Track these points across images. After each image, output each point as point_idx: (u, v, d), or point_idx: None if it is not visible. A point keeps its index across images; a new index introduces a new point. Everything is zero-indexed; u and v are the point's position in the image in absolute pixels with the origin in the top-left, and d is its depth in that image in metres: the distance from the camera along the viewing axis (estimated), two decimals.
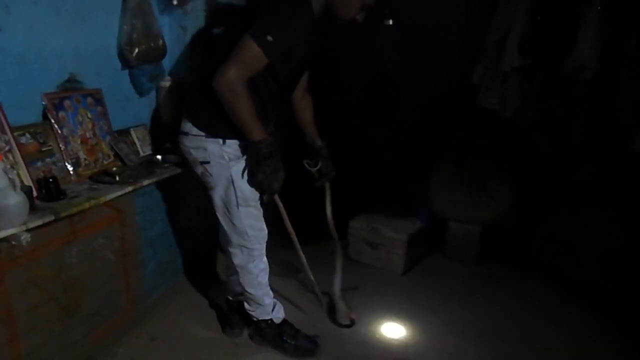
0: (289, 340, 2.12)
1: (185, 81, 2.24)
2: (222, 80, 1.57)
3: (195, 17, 2.29)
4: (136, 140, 2.16)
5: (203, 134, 1.77)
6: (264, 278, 2.06)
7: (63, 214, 1.51)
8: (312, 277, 2.28)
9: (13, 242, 1.36)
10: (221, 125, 1.73)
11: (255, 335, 2.19)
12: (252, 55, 1.57)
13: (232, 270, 2.18)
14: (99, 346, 2.11)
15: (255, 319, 2.13)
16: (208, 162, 1.81)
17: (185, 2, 2.12)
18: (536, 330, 2.36)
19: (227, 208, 1.88)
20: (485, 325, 2.38)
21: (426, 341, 2.26)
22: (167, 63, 2.24)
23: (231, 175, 1.80)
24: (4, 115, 1.55)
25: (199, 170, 1.87)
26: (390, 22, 1.75)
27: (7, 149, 1.54)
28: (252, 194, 1.85)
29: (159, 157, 2.14)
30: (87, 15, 1.85)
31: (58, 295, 1.92)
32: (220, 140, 1.77)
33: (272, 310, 2.12)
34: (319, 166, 2.15)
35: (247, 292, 2.06)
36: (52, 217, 1.47)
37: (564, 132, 2.65)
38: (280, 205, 1.99)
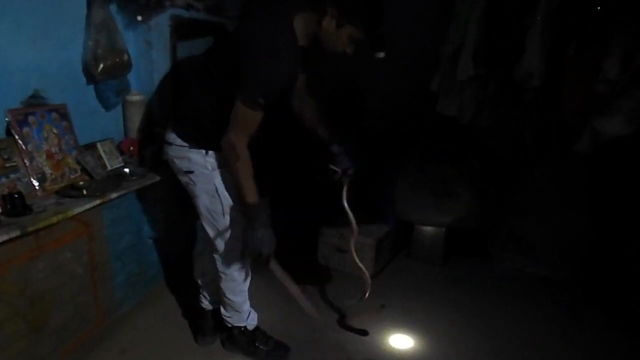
0: (261, 347, 2.16)
1: (166, 95, 2.28)
2: (227, 144, 1.68)
3: (160, 32, 2.33)
4: (103, 154, 2.17)
5: (186, 144, 1.83)
6: (246, 285, 2.10)
7: (30, 229, 1.52)
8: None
9: None
10: (204, 137, 1.81)
11: (227, 342, 2.22)
12: (248, 118, 1.65)
13: (209, 277, 2.22)
14: None
15: (229, 325, 2.16)
16: (192, 172, 1.86)
17: (149, 18, 2.16)
18: (496, 324, 2.48)
19: (212, 216, 1.93)
20: (453, 324, 2.48)
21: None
22: (132, 77, 2.27)
23: (215, 185, 1.86)
24: None
25: (184, 179, 1.92)
26: (382, 54, 1.72)
27: None
28: (231, 201, 1.91)
29: (126, 170, 2.16)
30: (51, 31, 1.87)
31: (24, 311, 1.90)
32: (203, 151, 1.83)
33: (247, 317, 2.15)
34: (339, 166, 2.09)
35: (227, 298, 2.08)
36: (19, 232, 1.48)
37: (517, 136, 2.81)
38: (279, 270, 2.02)
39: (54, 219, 1.63)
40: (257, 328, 2.20)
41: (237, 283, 2.05)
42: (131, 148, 2.29)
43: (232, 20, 3.04)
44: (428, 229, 3.23)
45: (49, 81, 1.90)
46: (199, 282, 2.29)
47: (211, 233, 1.98)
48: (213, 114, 1.77)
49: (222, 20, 2.90)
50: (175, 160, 1.89)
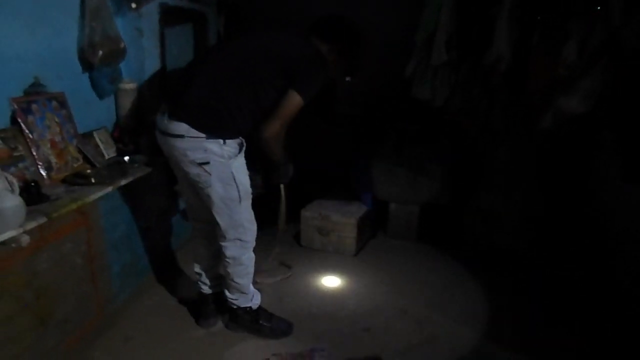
0: (265, 324, 2.25)
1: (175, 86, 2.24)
2: (272, 134, 1.93)
3: (150, 19, 2.33)
4: (100, 143, 2.16)
5: (203, 135, 1.84)
6: (252, 268, 2.18)
7: (54, 215, 1.52)
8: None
9: (13, 245, 1.37)
10: (224, 128, 1.87)
11: (231, 322, 2.29)
12: (297, 109, 1.92)
13: (205, 264, 2.28)
14: (74, 352, 2.09)
15: (235, 307, 2.23)
16: (207, 163, 1.87)
17: (141, 5, 2.15)
18: (466, 293, 2.70)
19: (226, 204, 1.96)
20: (433, 294, 2.68)
21: (386, 311, 2.52)
22: (123, 65, 2.25)
23: (232, 172, 1.91)
24: None
25: (194, 170, 1.91)
26: (349, 79, 2.15)
27: None
28: (249, 187, 2.02)
29: (126, 158, 2.16)
30: (47, 18, 1.84)
31: (31, 303, 1.89)
32: (221, 141, 1.87)
33: (252, 298, 2.24)
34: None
35: (234, 282, 2.15)
36: (45, 219, 1.48)
37: (486, 117, 3.04)
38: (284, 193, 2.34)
39: (73, 206, 1.64)
40: (259, 307, 2.29)
41: (244, 267, 2.13)
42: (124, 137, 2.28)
43: (210, 7, 3.06)
44: (403, 207, 3.43)
45: (47, 69, 1.87)
46: (197, 269, 2.33)
47: (223, 221, 2.01)
48: (236, 106, 1.87)
49: (202, 8, 2.92)
50: (188, 152, 1.87)
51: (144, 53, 2.33)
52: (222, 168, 1.90)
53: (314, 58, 1.98)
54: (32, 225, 1.43)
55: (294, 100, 1.90)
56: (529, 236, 3.10)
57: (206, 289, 2.34)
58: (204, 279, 2.32)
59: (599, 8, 2.30)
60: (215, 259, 2.31)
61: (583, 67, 2.50)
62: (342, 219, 3.18)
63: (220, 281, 2.33)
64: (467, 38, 2.84)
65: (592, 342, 2.24)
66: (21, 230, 1.39)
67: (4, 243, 1.36)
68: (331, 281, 2.81)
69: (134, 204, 2.49)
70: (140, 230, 2.60)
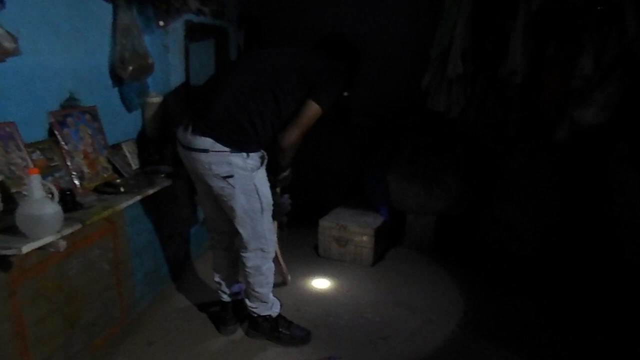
0: (284, 331, 2.29)
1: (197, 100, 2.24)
2: (291, 142, 2.03)
3: (175, 36, 2.43)
4: (127, 154, 2.25)
5: (227, 149, 1.88)
6: (272, 277, 2.23)
7: (88, 222, 1.61)
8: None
9: (51, 249, 1.45)
10: (248, 141, 1.93)
11: (251, 329, 2.34)
12: (316, 117, 2.02)
13: (224, 274, 2.35)
14: (99, 355, 2.18)
15: (255, 315, 2.28)
16: (231, 176, 1.91)
17: (168, 23, 2.26)
18: (484, 303, 2.72)
19: (248, 216, 2.02)
20: (450, 304, 2.70)
21: (403, 321, 2.55)
22: (150, 79, 2.35)
23: (255, 184, 1.96)
24: (18, 133, 1.63)
25: (218, 184, 1.95)
26: (346, 94, 2.31)
27: (23, 164, 1.62)
28: (271, 198, 2.08)
29: (153, 168, 2.25)
30: (82, 36, 1.95)
31: (62, 307, 1.98)
32: (245, 154, 1.92)
33: (272, 306, 2.29)
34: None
35: (255, 291, 2.20)
36: (80, 225, 1.57)
37: (501, 129, 3.08)
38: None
39: (105, 214, 1.72)
40: (279, 314, 2.33)
41: (264, 277, 2.18)
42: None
43: (231, 22, 3.17)
44: (419, 217, 3.46)
45: (81, 84, 1.97)
46: (216, 279, 2.39)
47: (246, 232, 2.06)
48: (259, 118, 1.93)
49: (224, 24, 3.03)
50: (213, 166, 1.90)
51: (169, 68, 2.43)
52: (246, 181, 1.94)
53: (333, 70, 2.09)
54: (68, 231, 1.51)
55: (313, 110, 1.98)
56: (545, 245, 3.11)
57: (226, 298, 2.40)
58: (224, 287, 2.38)
59: (599, 8, 2.33)
60: (234, 268, 2.39)
61: (598, 79, 2.53)
62: (359, 229, 3.22)
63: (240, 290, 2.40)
64: (481, 51, 2.90)
65: (606, 351, 2.25)
66: (59, 235, 1.47)
67: (43, 248, 1.44)
68: (348, 291, 2.84)
69: (157, 213, 2.58)
70: (162, 239, 2.69)
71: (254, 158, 1.96)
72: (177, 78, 2.50)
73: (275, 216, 2.23)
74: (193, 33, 2.63)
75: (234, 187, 1.93)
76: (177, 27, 2.43)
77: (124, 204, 1.83)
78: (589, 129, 2.60)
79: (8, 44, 1.45)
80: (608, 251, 2.81)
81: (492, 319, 2.54)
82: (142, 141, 2.39)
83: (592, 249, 2.90)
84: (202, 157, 1.90)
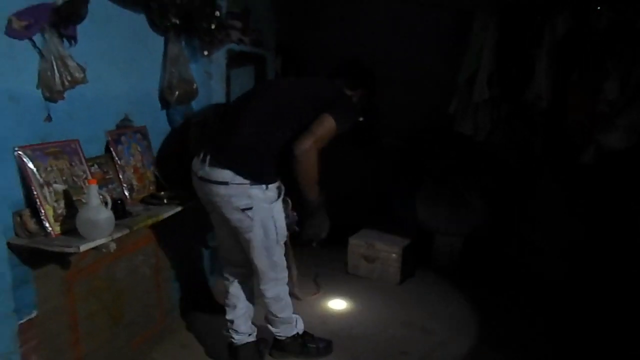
0: (311, 345, 2.33)
1: (215, 132, 2.19)
2: (302, 150, 1.86)
3: (218, 64, 2.69)
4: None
5: (247, 181, 1.87)
6: (289, 298, 2.24)
7: (134, 228, 1.83)
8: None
9: (104, 250, 1.67)
10: (267, 173, 1.92)
11: (275, 351, 2.35)
12: (330, 132, 1.93)
13: (240, 309, 2.25)
14: (138, 352, 2.37)
15: (282, 338, 2.29)
16: (250, 208, 1.90)
17: (212, 53, 2.51)
18: (509, 325, 2.74)
19: (265, 247, 2.00)
20: (474, 324, 2.74)
21: (426, 338, 2.62)
22: (194, 103, 2.60)
23: (273, 216, 1.96)
24: (81, 149, 1.88)
25: (237, 216, 1.92)
26: (361, 119, 2.34)
27: (84, 176, 1.86)
28: (286, 230, 2.07)
29: None
30: (137, 65, 2.22)
31: (109, 305, 2.20)
32: (264, 186, 1.91)
33: (296, 324, 2.31)
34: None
35: (277, 317, 2.21)
36: (128, 230, 1.79)
37: (526, 151, 3.14)
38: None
39: (149, 221, 1.94)
40: (304, 331, 2.35)
41: (284, 301, 2.20)
42: None
43: (269, 50, 3.42)
44: (446, 238, 3.52)
45: (134, 107, 2.23)
46: (228, 316, 2.26)
47: (262, 264, 2.04)
48: (277, 149, 1.92)
49: (262, 52, 3.28)
50: (233, 198, 1.88)
51: (212, 93, 2.68)
52: (264, 212, 1.93)
53: (344, 99, 2.13)
54: (118, 235, 1.73)
55: (328, 122, 1.91)
56: (572, 268, 3.10)
57: (238, 339, 2.25)
58: (236, 326, 2.25)
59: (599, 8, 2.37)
60: (249, 304, 2.30)
61: (624, 104, 2.58)
62: (387, 248, 3.31)
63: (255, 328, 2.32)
64: (507, 76, 2.99)
65: None
66: (110, 238, 1.69)
67: (96, 248, 1.66)
68: (374, 307, 2.93)
69: (195, 223, 2.79)
70: (199, 248, 2.89)
71: (272, 190, 1.95)
72: (218, 101, 2.73)
73: (315, 229, 2.13)
74: (234, 61, 2.89)
75: (252, 219, 1.91)
76: (220, 56, 2.69)
77: (167, 214, 2.04)
78: (615, 152, 2.63)
79: (78, 75, 1.71)
80: (635, 275, 2.78)
81: (514, 341, 2.56)
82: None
83: (618, 272, 2.87)
84: (222, 189, 1.89)
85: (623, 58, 2.59)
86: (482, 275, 3.37)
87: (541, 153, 3.04)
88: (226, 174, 1.86)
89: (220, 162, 1.88)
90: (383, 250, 3.31)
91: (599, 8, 2.42)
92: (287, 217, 2.10)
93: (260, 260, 2.03)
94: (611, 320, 2.70)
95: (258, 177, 1.88)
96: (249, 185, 1.87)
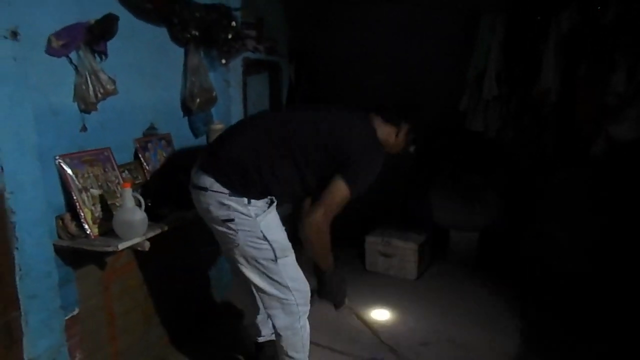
0: None
1: (215, 141, 2.01)
2: (314, 224, 1.70)
3: (235, 72, 2.82)
4: None
5: (226, 191, 1.70)
6: (308, 340, 1.92)
7: (166, 228, 1.95)
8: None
9: (139, 248, 1.79)
10: (249, 189, 1.72)
11: None
12: (343, 199, 1.73)
13: (257, 315, 2.17)
14: (169, 349, 2.49)
15: None
16: (232, 220, 1.71)
17: (229, 62, 2.64)
18: (525, 320, 2.76)
19: (262, 265, 1.78)
20: (490, 319, 2.76)
21: (442, 330, 2.68)
22: (214, 110, 2.73)
23: (261, 231, 1.73)
24: (113, 157, 2.02)
25: (220, 228, 1.77)
26: (412, 149, 2.09)
27: (117, 181, 2.00)
28: (287, 242, 1.82)
29: None
30: (161, 76, 2.35)
31: (142, 303, 2.33)
32: (245, 200, 1.71)
33: None
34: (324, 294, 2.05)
35: (288, 356, 1.90)
36: (160, 231, 1.91)
37: (538, 146, 3.20)
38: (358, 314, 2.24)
39: (178, 223, 2.06)
40: None
41: (299, 337, 1.87)
42: None
43: (283, 57, 3.55)
44: (462, 234, 3.58)
45: (159, 115, 2.36)
46: (247, 322, 2.23)
47: (260, 284, 1.81)
48: (270, 172, 1.73)
49: (277, 59, 3.41)
50: (211, 207, 1.73)
51: (230, 99, 2.81)
52: (249, 227, 1.72)
53: (370, 145, 1.82)
54: (151, 234, 1.86)
55: (340, 191, 1.72)
56: (587, 260, 3.13)
57: (261, 338, 2.24)
58: (257, 330, 2.23)
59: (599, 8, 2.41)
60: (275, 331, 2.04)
61: (632, 95, 2.63)
62: (403, 244, 3.39)
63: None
64: (515, 72, 3.07)
65: None
66: (144, 237, 1.81)
67: (132, 247, 1.79)
68: (392, 301, 3.00)
69: None
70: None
71: (257, 205, 1.74)
72: (236, 108, 2.86)
73: (330, 296, 1.97)
74: (250, 68, 3.02)
75: (236, 232, 1.73)
76: (237, 64, 2.82)
77: (192, 216, 2.15)
78: (626, 143, 2.68)
79: (109, 86, 1.85)
80: None
81: (534, 335, 2.61)
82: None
83: (635, 265, 2.90)
84: (201, 196, 1.76)
85: (629, 50, 2.65)
86: (499, 271, 3.39)
87: (552, 148, 3.10)
88: (207, 180, 1.73)
89: (205, 169, 1.76)
90: (399, 247, 3.38)
91: (599, 8, 2.48)
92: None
93: (257, 279, 1.81)
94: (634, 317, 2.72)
95: (238, 190, 1.71)
96: (227, 195, 1.70)
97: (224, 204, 1.71)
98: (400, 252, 3.40)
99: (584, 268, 3.19)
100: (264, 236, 1.73)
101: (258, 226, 1.72)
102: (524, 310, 2.86)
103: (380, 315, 2.83)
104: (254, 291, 1.93)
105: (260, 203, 1.75)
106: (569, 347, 2.48)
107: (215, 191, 1.71)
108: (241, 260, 1.79)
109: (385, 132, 1.94)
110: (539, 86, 2.95)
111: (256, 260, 1.77)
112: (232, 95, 2.81)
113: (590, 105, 2.81)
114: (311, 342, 1.98)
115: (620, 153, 2.80)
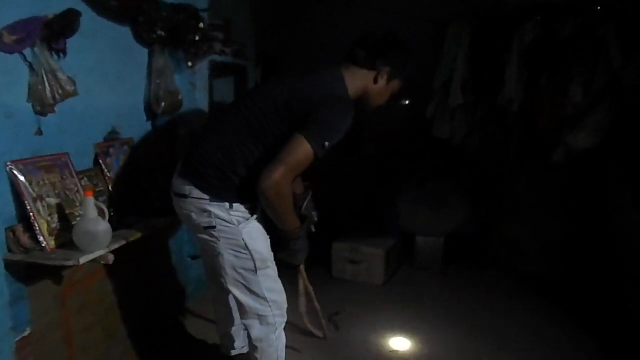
0: None
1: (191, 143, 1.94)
2: (270, 183, 1.50)
3: (202, 75, 2.72)
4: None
5: (207, 197, 1.64)
6: (283, 352, 1.87)
7: (130, 239, 1.83)
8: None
9: (102, 262, 1.67)
10: (229, 191, 1.65)
11: None
12: (305, 157, 1.53)
13: (230, 328, 2.14)
14: None
15: None
16: (214, 227, 1.66)
17: (196, 64, 2.54)
18: (495, 320, 2.81)
19: (240, 274, 1.72)
20: (450, 324, 2.76)
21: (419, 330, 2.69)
22: (178, 114, 2.61)
23: (243, 240, 1.66)
24: (71, 163, 1.88)
25: (202, 235, 1.71)
26: (407, 102, 1.85)
27: (75, 189, 1.86)
28: (269, 253, 1.76)
29: None
30: (124, 78, 2.23)
31: (102, 319, 2.19)
32: (227, 204, 1.64)
33: None
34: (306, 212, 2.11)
35: None
36: (124, 242, 1.79)
37: (501, 153, 3.29)
38: (304, 275, 2.25)
39: (145, 232, 1.95)
40: None
41: (274, 349, 1.81)
42: None
43: (250, 61, 3.47)
44: (428, 239, 3.62)
45: (121, 119, 2.23)
46: (219, 333, 2.21)
47: (240, 294, 1.75)
48: (244, 165, 1.64)
49: (243, 62, 3.34)
50: (193, 215, 1.67)
51: (196, 103, 2.70)
52: (231, 235, 1.67)
53: (330, 97, 1.61)
54: (115, 246, 1.74)
55: (300, 146, 1.52)
56: (551, 262, 3.25)
57: (235, 352, 2.18)
58: (229, 342, 2.19)
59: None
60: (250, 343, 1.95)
61: (589, 106, 2.75)
62: (371, 251, 3.39)
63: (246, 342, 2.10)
64: (481, 81, 3.14)
65: None
66: (108, 250, 1.69)
67: (95, 260, 1.66)
68: (360, 307, 2.98)
69: (182, 235, 2.79)
70: (190, 258, 2.88)
71: (240, 209, 1.67)
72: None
73: (288, 258, 1.82)
74: (216, 71, 2.92)
75: (218, 239, 1.67)
76: (203, 67, 2.72)
77: (161, 224, 2.05)
78: (584, 151, 2.79)
79: (69, 87, 1.72)
80: (609, 266, 2.95)
81: (502, 334, 2.65)
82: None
83: (594, 265, 3.03)
84: (181, 203, 1.70)
85: (585, 63, 2.76)
86: (464, 274, 3.47)
87: (516, 155, 3.19)
88: (186, 187, 1.67)
89: (183, 175, 1.70)
90: (367, 253, 3.37)
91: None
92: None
93: (236, 289, 1.75)
94: (593, 311, 2.83)
95: (218, 195, 1.64)
96: (207, 201, 1.64)
97: (205, 211, 1.66)
98: (368, 258, 3.39)
99: (544, 269, 3.32)
100: (245, 245, 1.68)
101: (240, 234, 1.67)
102: (492, 312, 2.90)
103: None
104: (231, 301, 1.87)
105: (242, 208, 1.69)
106: (530, 346, 2.53)
107: (195, 198, 1.66)
108: (223, 269, 1.74)
109: (360, 78, 1.71)
110: (502, 96, 3.03)
111: (236, 271, 1.72)
112: (198, 99, 2.71)
113: (550, 115, 2.91)
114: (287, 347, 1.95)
115: (579, 160, 2.92)
